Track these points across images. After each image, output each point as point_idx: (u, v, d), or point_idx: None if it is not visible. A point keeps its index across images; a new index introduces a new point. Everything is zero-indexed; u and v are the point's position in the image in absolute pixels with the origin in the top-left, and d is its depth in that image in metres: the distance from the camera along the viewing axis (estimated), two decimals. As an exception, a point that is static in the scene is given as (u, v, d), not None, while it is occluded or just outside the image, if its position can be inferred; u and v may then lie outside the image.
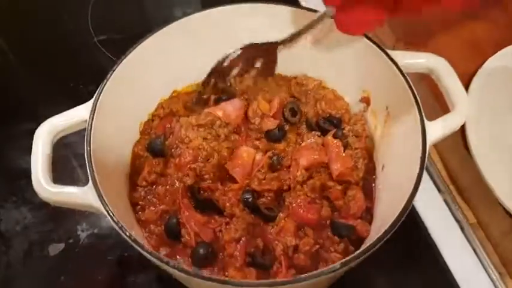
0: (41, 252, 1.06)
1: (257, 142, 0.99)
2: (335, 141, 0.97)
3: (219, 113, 0.99)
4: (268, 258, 0.88)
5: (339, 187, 0.95)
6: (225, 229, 0.90)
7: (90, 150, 0.83)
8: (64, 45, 1.42)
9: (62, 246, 1.07)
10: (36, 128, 0.87)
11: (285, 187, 0.95)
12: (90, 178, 0.80)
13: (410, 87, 0.89)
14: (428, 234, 1.08)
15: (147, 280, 1.02)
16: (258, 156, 0.96)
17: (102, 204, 0.78)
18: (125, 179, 0.98)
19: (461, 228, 1.09)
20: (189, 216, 0.91)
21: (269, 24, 1.02)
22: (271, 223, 0.92)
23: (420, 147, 0.83)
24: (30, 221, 1.11)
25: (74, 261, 1.05)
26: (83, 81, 1.31)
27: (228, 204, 0.92)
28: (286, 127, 1.01)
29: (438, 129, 0.86)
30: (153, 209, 0.94)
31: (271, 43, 0.99)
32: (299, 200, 0.93)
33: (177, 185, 0.95)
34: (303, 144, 1.00)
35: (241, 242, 0.88)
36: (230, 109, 1.00)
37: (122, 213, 0.88)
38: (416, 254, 1.07)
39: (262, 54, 1.01)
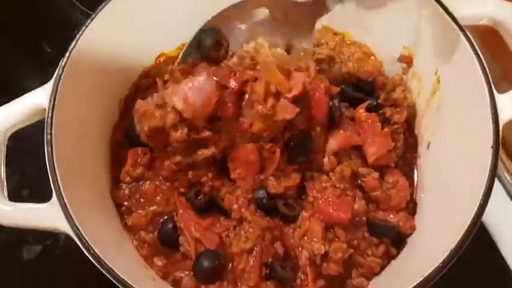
0: (13, 257, 0.89)
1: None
2: (370, 116, 0.76)
3: (176, 102, 0.65)
4: (290, 269, 0.70)
5: (375, 174, 0.75)
6: (233, 235, 0.72)
7: (51, 151, 0.63)
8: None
9: (38, 248, 0.90)
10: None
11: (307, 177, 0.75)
12: (54, 191, 0.61)
13: (473, 47, 0.67)
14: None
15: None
16: (267, 154, 0.72)
17: (72, 227, 0.59)
18: (106, 172, 0.78)
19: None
20: (188, 219, 0.73)
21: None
22: (293, 224, 0.73)
23: (491, 131, 0.63)
24: (-1, 218, 0.93)
25: (54, 266, 0.89)
26: (48, 40, 1.09)
27: (235, 206, 0.72)
28: (318, 129, 0.73)
29: (513, 105, 0.65)
30: (142, 212, 0.75)
31: None
32: (326, 194, 0.72)
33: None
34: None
35: (254, 252, 0.69)
36: (194, 95, 0.65)
37: (102, 223, 0.70)
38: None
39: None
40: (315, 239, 0.70)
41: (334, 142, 0.75)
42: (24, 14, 1.13)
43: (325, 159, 0.75)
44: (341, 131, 0.75)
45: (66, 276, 0.87)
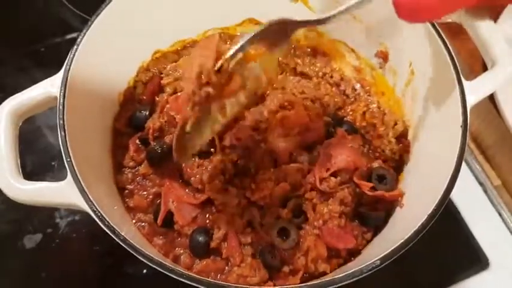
0: (15, 246, 0.92)
1: None
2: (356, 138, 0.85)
3: None
4: (279, 257, 0.74)
5: (369, 184, 0.79)
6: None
7: (65, 135, 0.68)
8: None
9: (39, 237, 0.93)
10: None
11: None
12: (68, 170, 0.66)
13: (443, 40, 0.75)
14: (449, 200, 0.98)
15: (142, 269, 0.89)
16: None
17: (87, 203, 0.64)
18: (108, 158, 0.83)
19: (485, 191, 1.00)
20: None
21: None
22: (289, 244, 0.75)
23: (460, 112, 0.70)
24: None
25: (55, 254, 0.92)
26: (44, 43, 1.12)
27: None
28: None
29: (479, 89, 0.72)
30: (145, 193, 0.81)
31: (308, 21, 0.67)
32: (331, 225, 0.76)
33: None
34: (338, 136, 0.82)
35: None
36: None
37: (108, 203, 0.75)
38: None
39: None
40: (320, 261, 0.74)
41: (342, 160, 0.79)
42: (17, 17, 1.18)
43: (326, 174, 0.78)
44: (350, 151, 0.80)
45: (67, 263, 0.91)
